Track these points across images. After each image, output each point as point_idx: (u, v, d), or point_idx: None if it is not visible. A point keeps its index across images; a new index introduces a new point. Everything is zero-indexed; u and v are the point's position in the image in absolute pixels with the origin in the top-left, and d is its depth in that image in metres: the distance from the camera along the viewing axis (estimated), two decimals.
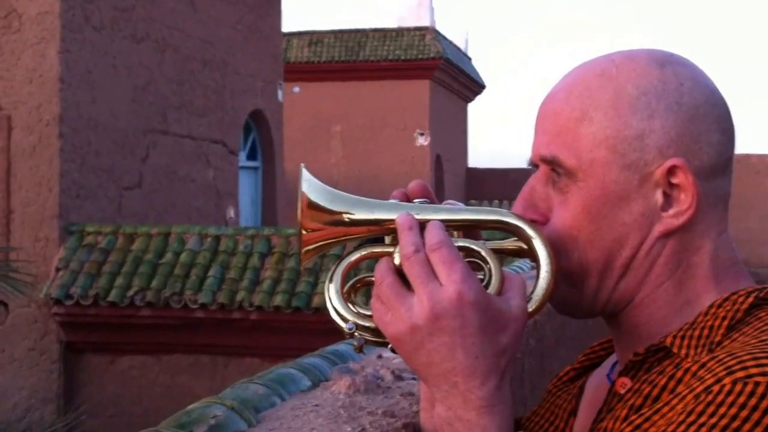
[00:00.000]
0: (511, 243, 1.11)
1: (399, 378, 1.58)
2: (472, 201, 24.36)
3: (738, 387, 0.91)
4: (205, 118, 14.08)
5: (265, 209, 16.76)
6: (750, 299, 1.05)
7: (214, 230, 11.34)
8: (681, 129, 1.07)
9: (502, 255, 1.11)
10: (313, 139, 23.77)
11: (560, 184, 1.11)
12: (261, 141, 16.76)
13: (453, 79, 25.64)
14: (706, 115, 1.08)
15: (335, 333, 1.12)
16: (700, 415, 0.91)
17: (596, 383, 1.22)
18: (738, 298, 1.06)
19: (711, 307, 1.07)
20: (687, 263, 1.10)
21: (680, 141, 1.07)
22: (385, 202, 1.10)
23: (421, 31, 24.28)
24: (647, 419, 0.98)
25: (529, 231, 1.08)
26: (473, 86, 27.98)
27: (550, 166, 1.12)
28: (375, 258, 1.10)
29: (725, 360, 0.95)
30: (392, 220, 1.07)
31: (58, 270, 10.91)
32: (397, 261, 1.05)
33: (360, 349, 1.10)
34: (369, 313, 1.08)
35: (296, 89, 23.19)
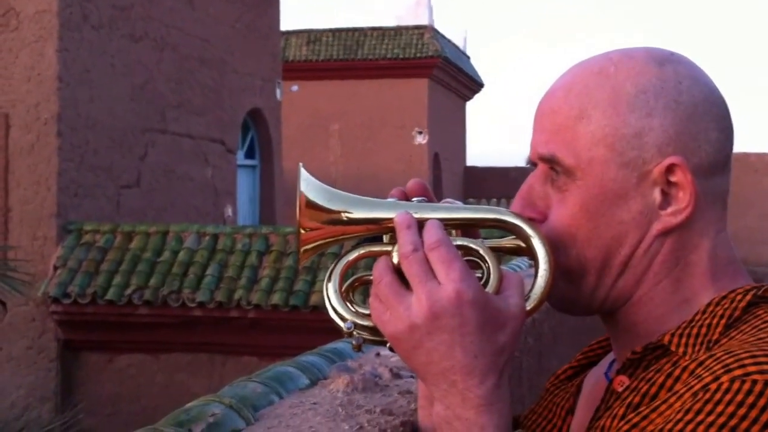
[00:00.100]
0: (509, 241, 1.11)
1: (397, 376, 1.58)
2: (471, 199, 24.36)
3: (736, 385, 0.91)
4: (203, 117, 14.08)
5: (263, 208, 16.76)
6: (748, 297, 1.05)
7: (212, 229, 11.34)
8: (679, 127, 1.07)
9: (500, 253, 1.11)
10: (311, 137, 23.77)
11: (559, 183, 1.11)
12: (259, 140, 16.76)
13: (451, 77, 25.65)
14: (705, 113, 1.08)
15: (333, 331, 1.12)
16: (698, 413, 0.91)
17: (594, 381, 1.22)
18: (736, 297, 1.06)
19: (709, 305, 1.07)
20: (685, 261, 1.10)
21: (679, 139, 1.07)
22: (384, 201, 1.10)
23: (420, 29, 24.29)
24: (645, 417, 0.98)
25: (528, 229, 1.08)
26: (472, 85, 27.99)
27: (548, 164, 1.11)
28: (373, 257, 1.10)
29: (723, 358, 0.95)
30: (390, 219, 1.07)
31: (56, 268, 10.90)
32: (395, 260, 1.05)
33: (359, 348, 1.10)
34: (367, 312, 1.08)
35: (294, 88, 23.18)
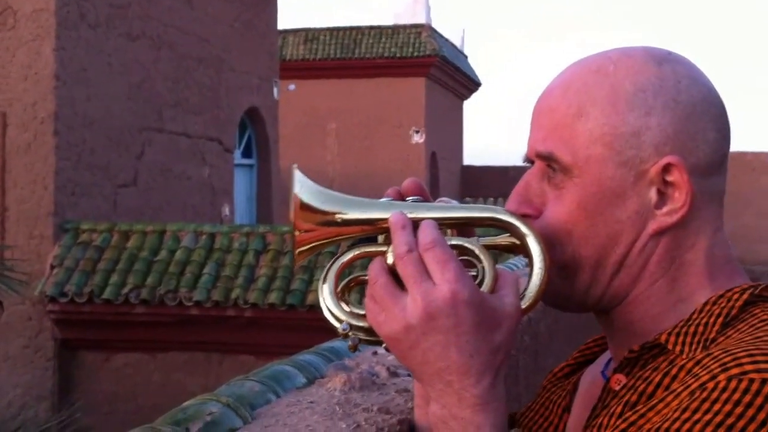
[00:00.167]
0: (504, 239, 1.11)
1: (394, 374, 1.58)
2: (468, 198, 24.37)
3: (733, 384, 0.91)
4: (200, 116, 14.07)
5: (260, 207, 16.76)
6: (745, 296, 1.06)
7: (209, 228, 11.34)
8: (678, 126, 1.07)
9: (496, 251, 1.11)
10: (308, 136, 23.76)
11: (556, 180, 1.11)
12: (256, 138, 16.75)
13: (449, 76, 25.64)
14: (703, 112, 1.08)
15: (330, 330, 1.12)
16: (695, 411, 0.91)
17: (590, 379, 1.22)
18: (733, 295, 1.06)
19: (706, 304, 1.07)
20: (681, 260, 1.10)
21: (677, 138, 1.07)
22: (378, 201, 1.10)
23: (417, 28, 24.28)
24: (642, 416, 0.98)
25: (523, 228, 1.08)
26: (469, 84, 27.99)
27: (545, 162, 1.11)
28: (368, 257, 1.10)
29: (720, 357, 0.95)
30: (385, 220, 1.07)
31: (52, 267, 10.90)
32: (390, 260, 1.05)
33: (354, 349, 1.10)
34: (363, 312, 1.08)
35: (292, 87, 23.17)
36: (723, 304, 1.06)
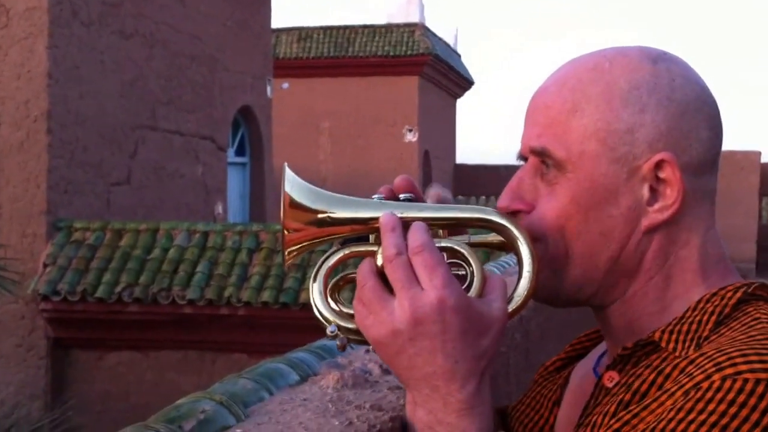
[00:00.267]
0: (495, 237, 1.11)
1: (387, 372, 1.58)
2: (460, 197, 24.37)
3: (727, 384, 0.91)
4: (193, 114, 14.05)
5: (253, 205, 16.74)
6: (738, 294, 1.06)
7: (203, 226, 11.32)
8: (671, 124, 1.07)
9: (486, 249, 1.11)
10: (301, 135, 23.75)
11: (549, 176, 1.11)
12: (250, 137, 16.74)
13: (442, 75, 25.64)
14: (697, 111, 1.09)
15: (322, 329, 1.12)
16: (690, 411, 0.91)
17: (582, 374, 1.22)
18: (726, 294, 1.06)
19: (699, 302, 1.07)
20: (675, 257, 1.10)
21: (670, 135, 1.07)
22: (369, 201, 1.09)
23: (410, 27, 24.27)
24: (636, 415, 0.98)
25: (514, 230, 1.08)
26: (462, 82, 27.99)
27: (539, 157, 1.12)
28: (358, 257, 1.09)
29: (714, 356, 0.95)
30: (376, 219, 1.06)
31: (45, 266, 10.87)
32: (379, 262, 1.05)
33: (343, 349, 1.10)
34: (352, 312, 1.08)
35: (285, 85, 23.16)
36: (716, 303, 1.06)
